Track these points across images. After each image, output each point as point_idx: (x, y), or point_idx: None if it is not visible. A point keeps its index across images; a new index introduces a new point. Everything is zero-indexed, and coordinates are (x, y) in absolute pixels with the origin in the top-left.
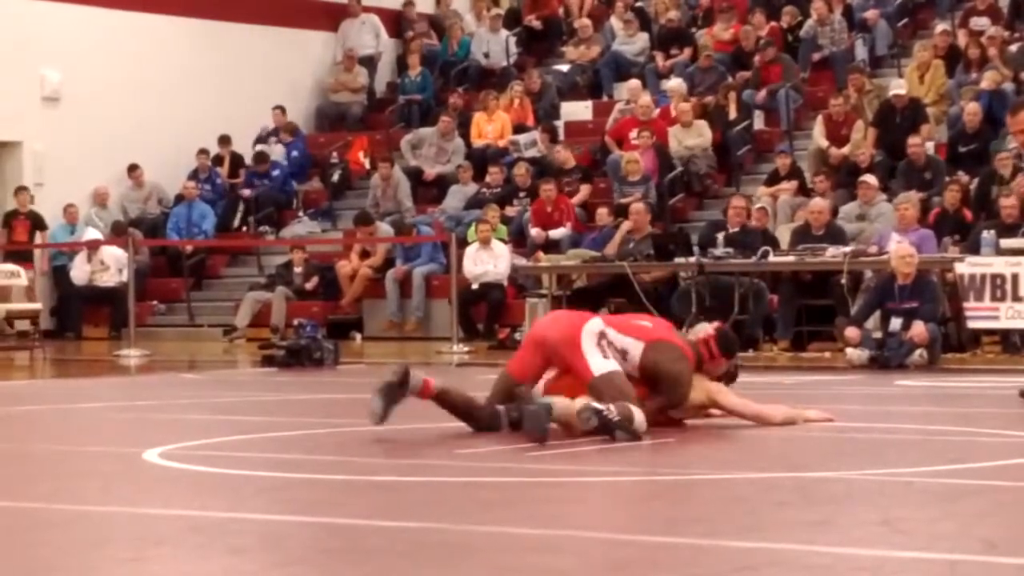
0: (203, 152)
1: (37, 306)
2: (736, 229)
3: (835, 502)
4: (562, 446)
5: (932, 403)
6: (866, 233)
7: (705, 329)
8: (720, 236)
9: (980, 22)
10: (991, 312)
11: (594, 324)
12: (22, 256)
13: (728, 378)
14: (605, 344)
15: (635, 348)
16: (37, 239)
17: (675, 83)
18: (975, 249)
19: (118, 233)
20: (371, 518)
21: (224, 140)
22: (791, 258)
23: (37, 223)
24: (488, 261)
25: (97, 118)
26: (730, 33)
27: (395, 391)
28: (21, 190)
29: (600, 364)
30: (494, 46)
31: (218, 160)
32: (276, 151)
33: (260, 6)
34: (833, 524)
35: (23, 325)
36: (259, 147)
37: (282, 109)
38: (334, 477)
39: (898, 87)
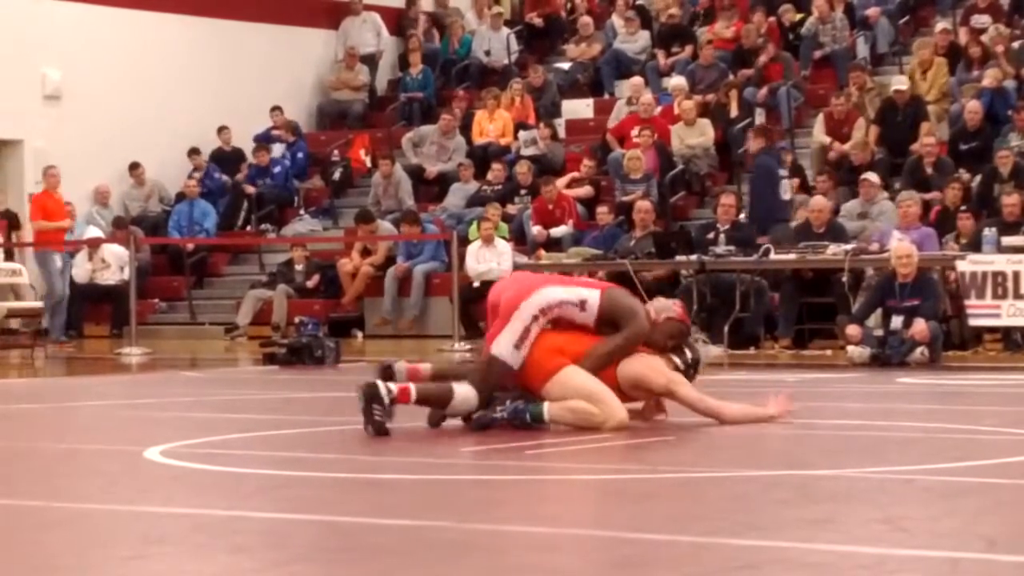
0: (195, 152)
1: (39, 304)
2: (727, 227)
3: (836, 500)
4: (562, 444)
5: (933, 401)
6: (867, 231)
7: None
8: (719, 234)
9: (981, 20)
10: (992, 310)
11: (538, 299)
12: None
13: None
14: (537, 323)
15: (592, 296)
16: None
17: (677, 81)
18: (976, 247)
19: (119, 227)
20: (373, 516)
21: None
22: (792, 256)
23: (13, 222)
24: (491, 259)
25: (98, 116)
26: (731, 31)
27: (373, 405)
28: None
29: (502, 347)
30: (495, 44)
31: (217, 153)
32: (276, 150)
33: (261, 4)
34: (834, 522)
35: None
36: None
37: (280, 109)
38: (335, 475)
39: (899, 84)
